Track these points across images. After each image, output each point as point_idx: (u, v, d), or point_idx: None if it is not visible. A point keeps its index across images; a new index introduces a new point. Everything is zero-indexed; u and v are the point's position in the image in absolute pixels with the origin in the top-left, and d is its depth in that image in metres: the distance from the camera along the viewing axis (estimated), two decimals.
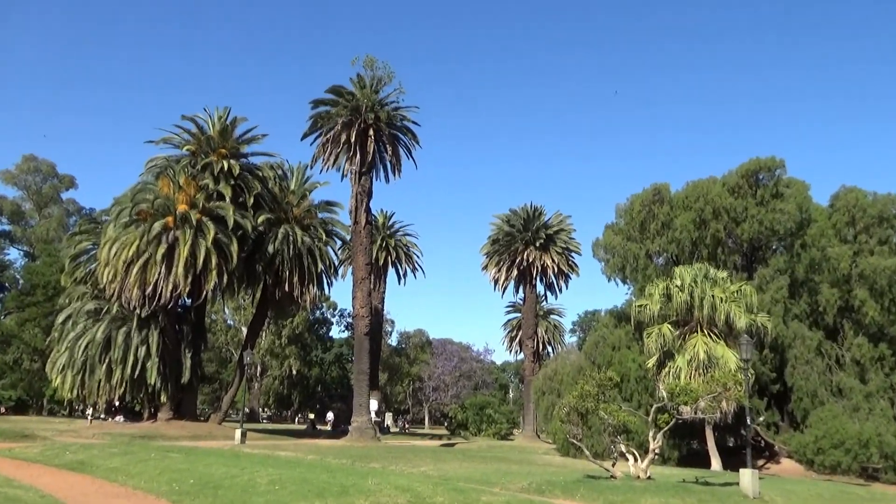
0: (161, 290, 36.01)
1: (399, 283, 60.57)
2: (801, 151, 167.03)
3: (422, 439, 47.61)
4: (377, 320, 51.94)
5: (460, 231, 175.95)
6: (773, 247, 36.97)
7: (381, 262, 55.85)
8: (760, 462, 32.70)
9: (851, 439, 27.87)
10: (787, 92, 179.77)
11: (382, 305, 57.55)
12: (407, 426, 72.39)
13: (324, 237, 44.41)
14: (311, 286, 43.22)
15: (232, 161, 38.76)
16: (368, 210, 39.87)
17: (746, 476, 17.79)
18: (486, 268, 55.45)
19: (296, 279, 41.60)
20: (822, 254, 33.48)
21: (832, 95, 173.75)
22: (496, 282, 54.72)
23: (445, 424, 62.00)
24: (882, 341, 32.74)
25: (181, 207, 37.14)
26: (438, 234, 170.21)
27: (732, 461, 27.63)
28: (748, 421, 20.67)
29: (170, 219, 36.86)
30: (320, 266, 43.68)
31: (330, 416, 61.08)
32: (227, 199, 37.76)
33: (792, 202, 34.74)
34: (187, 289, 37.17)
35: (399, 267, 59.07)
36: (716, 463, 28.94)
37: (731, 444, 32.14)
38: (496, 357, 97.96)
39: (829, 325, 34.01)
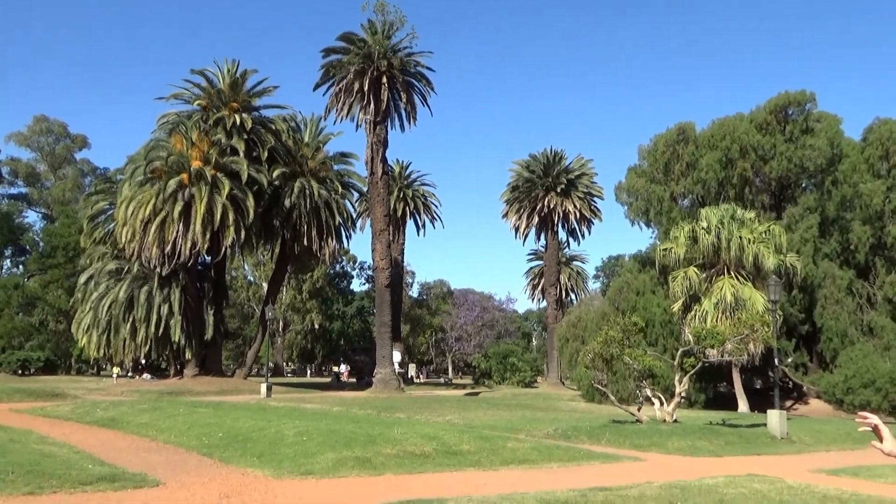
0: (180, 248, 36.53)
1: (418, 235, 60.81)
2: (833, 84, 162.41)
3: (446, 389, 48.45)
4: (397, 272, 52.31)
5: (479, 179, 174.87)
6: (803, 185, 36.51)
7: (399, 213, 55.94)
8: (788, 403, 32.93)
9: (882, 378, 27.94)
10: (817, 20, 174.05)
11: (402, 257, 57.91)
12: (421, 377, 73.44)
13: (340, 189, 44.52)
14: (329, 239, 43.57)
15: (244, 115, 38.74)
16: (384, 160, 39.78)
17: (774, 417, 17.98)
18: (506, 215, 55.37)
19: (314, 233, 41.93)
20: (853, 190, 33.02)
21: (865, 22, 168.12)
22: (517, 229, 54.68)
23: (470, 374, 62.98)
24: None
25: (195, 164, 37.34)
26: (457, 183, 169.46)
27: (760, 403, 27.82)
28: (776, 362, 20.83)
29: (184, 175, 37.11)
30: (338, 219, 43.95)
31: (343, 368, 61.86)
32: (241, 154, 37.87)
33: (823, 137, 34.11)
34: (206, 246, 37.66)
35: (417, 218, 59.21)
36: (743, 405, 29.20)
37: (758, 386, 32.35)
38: (518, 306, 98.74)
39: (860, 263, 33.75)
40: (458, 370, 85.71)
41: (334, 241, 44.86)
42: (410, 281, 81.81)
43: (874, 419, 2.25)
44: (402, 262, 59.10)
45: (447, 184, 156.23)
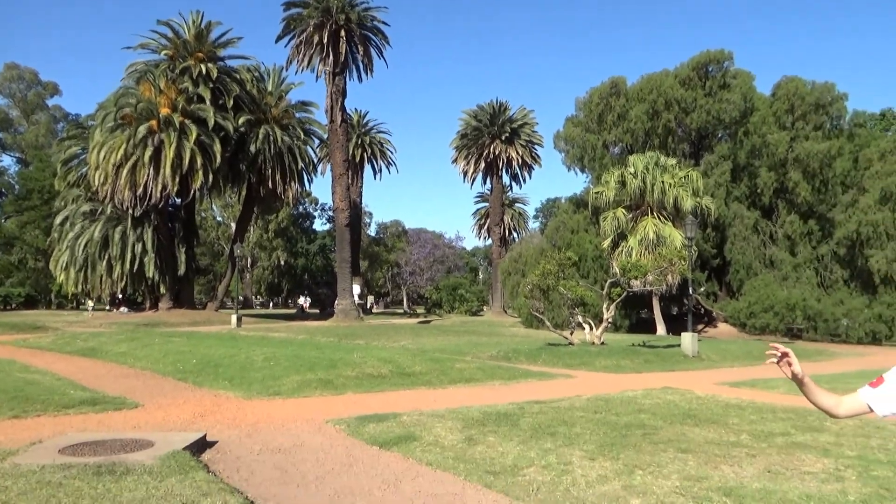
0: (151, 191, 35.41)
1: (375, 178, 60.43)
2: (748, 44, 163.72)
3: (401, 318, 48.84)
4: (356, 213, 51.84)
5: (431, 127, 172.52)
6: (719, 135, 37.01)
7: (357, 158, 55.10)
8: (700, 326, 34.18)
9: (779, 304, 29.19)
10: None
11: (360, 199, 57.32)
12: (379, 308, 73.79)
13: (302, 136, 43.52)
14: (292, 183, 42.78)
15: (209, 64, 37.17)
16: (343, 109, 38.87)
17: (687, 338, 18.70)
18: (455, 161, 55.04)
19: (278, 177, 41.08)
20: (762, 140, 33.64)
21: None
22: (465, 174, 54.50)
23: (423, 305, 63.53)
24: (811, 218, 33.60)
25: (163, 111, 35.88)
26: (411, 131, 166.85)
27: (676, 326, 28.87)
28: (690, 291, 21.50)
29: (153, 122, 35.67)
30: (300, 164, 43.05)
31: (301, 300, 61.45)
32: (207, 102, 36.51)
33: (737, 92, 34.49)
34: (176, 188, 36.57)
35: (374, 163, 58.46)
36: (661, 329, 30.24)
37: (674, 312, 33.37)
38: (467, 243, 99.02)
39: (765, 205, 34.68)
40: (412, 301, 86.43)
41: (297, 184, 44.09)
42: (368, 221, 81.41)
43: (783, 348, 2.35)
44: (361, 203, 58.55)
45: (402, 131, 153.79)
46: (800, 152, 32.28)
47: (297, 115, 44.67)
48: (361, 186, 56.95)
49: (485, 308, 59.20)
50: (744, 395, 11.20)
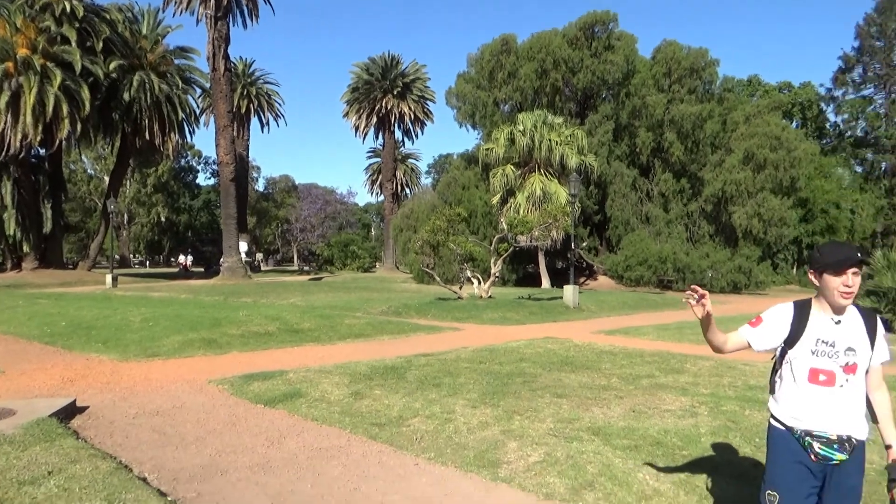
0: (9, 140, 32.20)
1: (262, 131, 58.50)
2: (632, 6, 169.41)
3: (291, 275, 47.90)
4: (242, 167, 49.82)
5: (322, 80, 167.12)
6: (603, 95, 38.33)
7: (243, 109, 52.72)
8: (582, 279, 35.96)
9: (653, 257, 31.19)
10: None
11: (247, 152, 55.08)
12: (268, 265, 72.11)
13: (181, 85, 40.81)
14: (172, 134, 40.29)
15: (74, 2, 33.80)
16: (227, 57, 36.85)
17: (568, 291, 19.64)
18: (347, 115, 53.87)
19: (156, 127, 38.52)
20: (642, 101, 35.19)
21: None
22: (357, 128, 53.53)
23: (314, 262, 62.53)
24: (683, 177, 35.83)
25: (22, 52, 32.45)
26: (300, 84, 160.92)
27: (560, 280, 30.18)
28: (573, 246, 22.48)
29: (9, 64, 32.22)
30: (181, 114, 40.52)
31: (182, 258, 58.81)
32: (73, 44, 33.28)
33: (621, 54, 35.75)
34: (38, 138, 33.42)
35: (262, 115, 56.17)
36: (546, 282, 31.55)
37: (559, 266, 34.80)
38: (359, 199, 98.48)
39: (643, 164, 36.54)
40: (303, 259, 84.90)
41: (177, 135, 41.54)
42: (256, 176, 78.59)
43: (702, 290, 2.72)
44: (248, 157, 56.31)
45: (291, 83, 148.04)
46: (675, 114, 34.14)
47: (177, 61, 41.83)
48: (248, 139, 54.69)
49: (377, 265, 59.20)
50: (617, 343, 11.98)
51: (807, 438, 2.75)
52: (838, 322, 2.75)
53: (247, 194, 56.33)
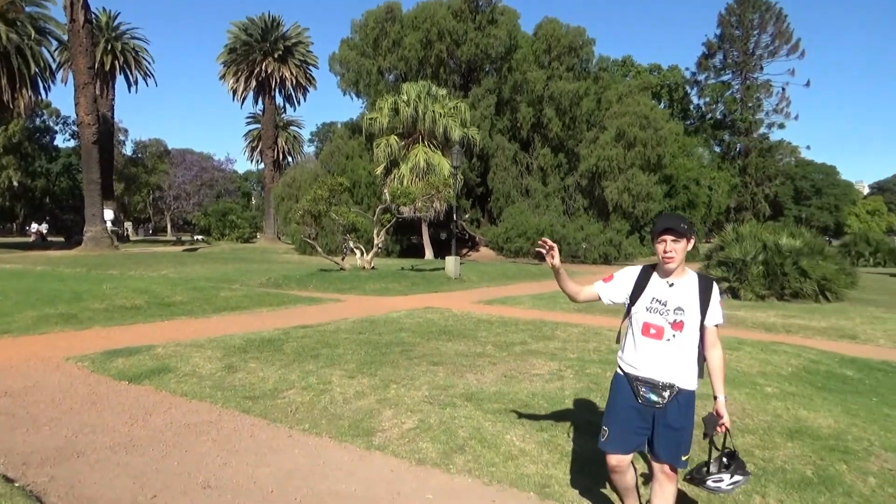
0: None
1: (130, 91, 54.07)
2: None
3: (164, 246, 45.41)
4: (107, 129, 46.17)
5: (196, 39, 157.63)
6: (486, 69, 38.92)
7: (107, 66, 48.60)
8: (464, 251, 36.75)
9: (531, 229, 32.35)
10: None
11: (112, 113, 51.05)
12: (139, 235, 68.03)
13: (34, 35, 37.04)
14: (24, 90, 36.64)
15: None
16: (87, 7, 33.75)
17: (450, 262, 20.00)
18: (224, 77, 51.13)
19: (4, 81, 34.91)
20: (523, 77, 36.06)
21: None
22: (235, 92, 51.01)
23: (189, 232, 59.62)
24: (561, 152, 37.27)
25: None
26: (173, 42, 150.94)
27: (443, 251, 30.63)
28: (455, 217, 22.84)
29: None
30: (33, 67, 36.87)
31: (35, 227, 54.05)
32: None
33: (504, 29, 36.37)
34: None
35: (129, 73, 52.02)
36: (429, 253, 31.93)
37: (443, 238, 35.32)
38: (238, 166, 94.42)
39: (524, 138, 37.61)
40: (178, 228, 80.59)
41: (30, 91, 37.79)
42: (123, 139, 73.15)
43: (550, 242, 3.28)
44: (113, 118, 52.23)
45: (162, 42, 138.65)
46: (554, 90, 35.28)
47: (28, 9, 37.83)
48: (113, 99, 50.63)
49: (258, 235, 57.35)
50: (494, 312, 12.39)
51: (636, 384, 3.16)
52: (672, 285, 3.15)
53: (112, 158, 52.37)
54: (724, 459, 3.20)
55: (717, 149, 62.63)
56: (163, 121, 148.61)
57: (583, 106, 36.68)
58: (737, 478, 3.18)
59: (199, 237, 54.28)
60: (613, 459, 3.26)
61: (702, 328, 3.12)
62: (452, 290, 17.27)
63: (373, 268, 19.88)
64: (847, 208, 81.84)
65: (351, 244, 20.54)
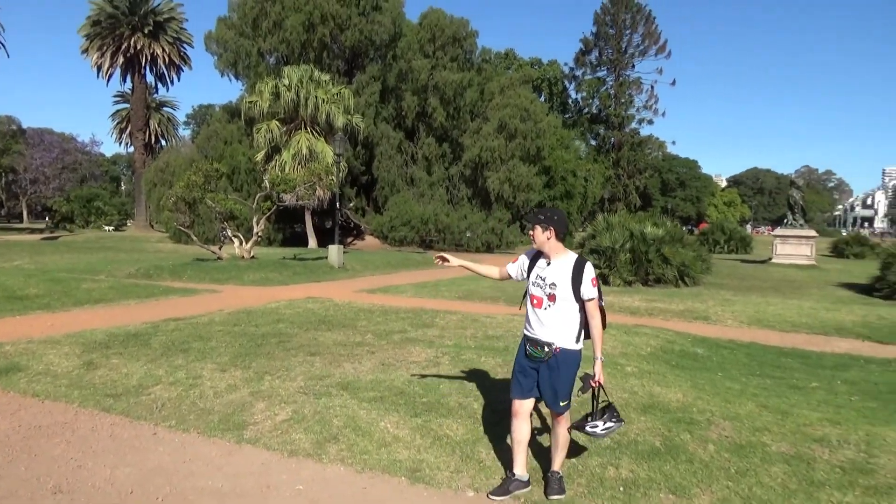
0: None
1: None
2: None
3: (19, 234, 41.64)
4: None
5: (57, 6, 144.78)
6: (371, 56, 38.51)
7: None
8: (350, 239, 36.39)
9: (416, 218, 32.57)
10: None
11: None
12: None
13: None
14: None
15: None
16: None
17: (333, 251, 19.77)
18: (87, 52, 47.28)
19: None
20: (408, 65, 36.03)
21: None
22: (100, 68, 47.31)
23: (50, 219, 54.92)
24: (445, 141, 37.69)
25: None
26: (26, 12, 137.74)
27: (327, 240, 30.01)
28: (338, 206, 22.57)
29: None
30: None
31: None
32: None
33: (388, 16, 36.11)
34: None
35: None
36: (313, 242, 31.35)
37: (328, 226, 34.72)
38: (106, 149, 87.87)
39: (409, 127, 37.65)
40: (35, 215, 74.02)
41: None
42: None
43: (441, 255, 4.29)
44: None
45: (13, 10, 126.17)
46: (438, 80, 35.56)
47: None
48: None
49: (129, 222, 53.87)
50: (376, 301, 12.41)
51: (527, 342, 3.92)
52: (549, 264, 3.87)
53: None
54: (602, 411, 3.89)
55: (593, 142, 65.74)
56: (16, 97, 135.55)
57: (466, 97, 37.22)
58: (609, 424, 3.85)
59: (53, 224, 50.00)
60: (516, 404, 3.94)
61: (581, 301, 3.78)
62: (335, 280, 17.08)
63: (252, 257, 19.27)
64: (707, 199, 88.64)
65: (229, 233, 19.79)
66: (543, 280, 3.83)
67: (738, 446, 4.46)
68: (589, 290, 3.76)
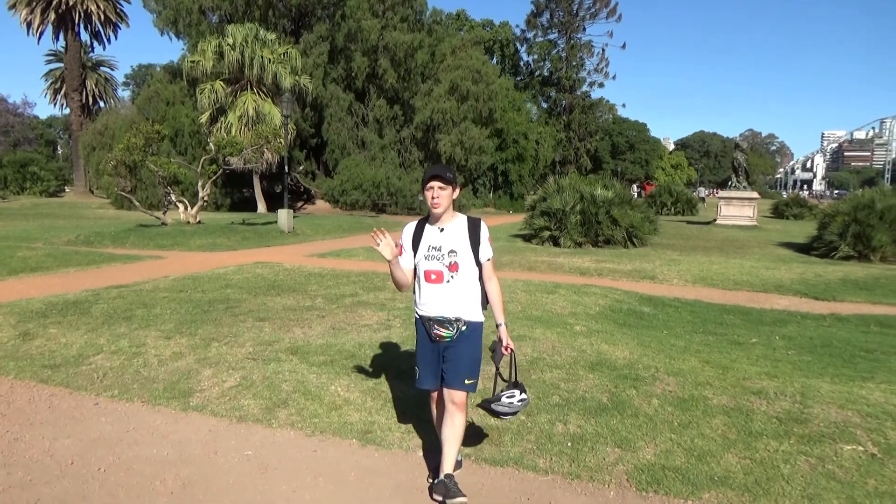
0: None
1: None
2: None
3: None
4: None
5: None
6: (319, 15, 37.34)
7: None
8: (300, 204, 35.79)
9: (367, 182, 32.19)
10: None
11: None
12: None
13: None
14: None
15: None
16: None
17: (283, 215, 19.42)
18: (14, 7, 44.69)
19: None
20: (357, 25, 35.10)
21: None
22: (30, 25, 44.89)
23: None
24: (396, 103, 37.11)
25: None
26: None
27: (277, 205, 29.45)
28: (286, 169, 22.09)
29: None
30: None
31: None
32: None
33: None
34: None
35: None
36: (262, 207, 30.74)
37: (277, 190, 33.98)
38: (39, 111, 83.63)
39: (359, 88, 36.89)
40: None
41: None
42: None
43: (380, 231, 3.30)
44: None
45: None
46: (389, 41, 34.83)
47: None
48: None
49: (67, 188, 51.67)
50: (327, 265, 12.26)
51: (429, 323, 3.40)
52: (442, 230, 3.39)
53: None
54: (516, 382, 3.53)
55: (545, 105, 65.77)
56: None
57: (417, 58, 36.61)
58: (524, 396, 3.49)
59: None
60: (436, 394, 3.59)
61: (479, 264, 3.40)
62: (285, 245, 16.82)
63: (199, 222, 18.78)
64: (655, 162, 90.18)
65: (173, 197, 19.19)
66: (439, 250, 3.34)
67: (681, 400, 4.59)
68: (487, 249, 3.39)
